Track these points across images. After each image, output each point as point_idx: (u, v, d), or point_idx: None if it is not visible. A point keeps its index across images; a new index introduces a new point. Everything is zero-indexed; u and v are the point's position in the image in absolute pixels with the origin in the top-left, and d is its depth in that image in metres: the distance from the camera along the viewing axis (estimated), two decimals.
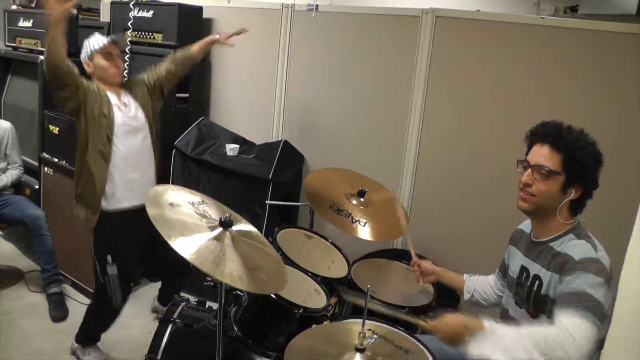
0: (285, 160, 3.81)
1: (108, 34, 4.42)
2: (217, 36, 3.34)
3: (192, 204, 2.10)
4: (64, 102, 2.83)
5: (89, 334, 3.18)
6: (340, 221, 2.84)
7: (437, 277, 2.59)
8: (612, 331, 1.18)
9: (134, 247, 3.02)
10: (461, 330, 1.82)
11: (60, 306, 3.65)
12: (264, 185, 3.64)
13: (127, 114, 2.96)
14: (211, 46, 3.38)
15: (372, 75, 3.68)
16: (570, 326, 1.71)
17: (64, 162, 3.87)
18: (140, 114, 3.03)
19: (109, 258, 2.89)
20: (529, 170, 2.02)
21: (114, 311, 3.04)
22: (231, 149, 3.87)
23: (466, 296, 2.49)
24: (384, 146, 3.67)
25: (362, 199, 2.99)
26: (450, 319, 1.88)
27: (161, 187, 2.12)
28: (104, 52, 2.95)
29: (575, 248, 1.93)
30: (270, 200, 3.60)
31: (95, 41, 2.97)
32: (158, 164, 3.14)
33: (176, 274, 3.35)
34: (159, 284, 3.69)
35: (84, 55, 3.00)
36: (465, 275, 2.51)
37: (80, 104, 2.83)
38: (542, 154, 2.00)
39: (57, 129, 3.95)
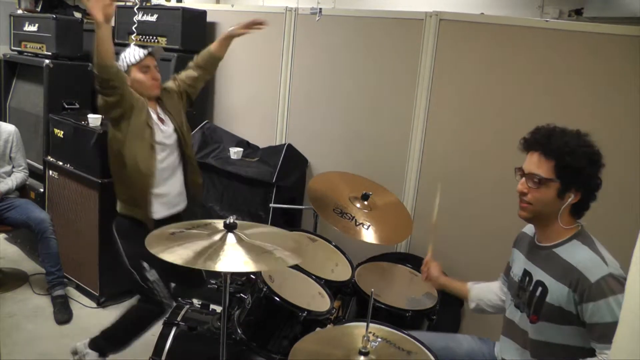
0: (289, 164, 3.82)
1: (113, 38, 4.48)
2: (232, 29, 3.21)
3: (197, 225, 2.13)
4: (110, 108, 2.77)
5: (119, 340, 3.02)
6: (343, 224, 2.86)
7: (441, 286, 2.57)
8: (619, 332, 1.17)
9: None
10: None
11: (64, 309, 3.66)
12: (268, 189, 3.65)
13: (163, 130, 2.94)
14: (230, 41, 3.23)
15: (376, 79, 3.69)
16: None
17: (68, 165, 3.90)
18: (171, 127, 2.99)
19: (145, 265, 2.84)
20: (523, 178, 2.03)
21: (162, 313, 2.94)
22: (235, 152, 3.88)
23: (471, 305, 2.46)
24: (388, 150, 3.68)
25: (365, 202, 3.00)
26: None
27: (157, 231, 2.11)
28: (141, 65, 2.90)
29: (583, 260, 1.92)
30: (274, 203, 3.61)
31: (132, 54, 2.91)
32: (194, 176, 3.12)
33: (192, 284, 3.33)
34: None
35: (123, 69, 2.92)
36: (469, 284, 2.48)
37: (126, 111, 2.79)
38: (533, 162, 2.01)
39: (62, 132, 3.97)
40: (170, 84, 3.15)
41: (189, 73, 3.18)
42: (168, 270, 2.95)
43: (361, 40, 3.73)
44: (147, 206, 2.88)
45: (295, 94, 4.05)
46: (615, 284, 1.84)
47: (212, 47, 3.20)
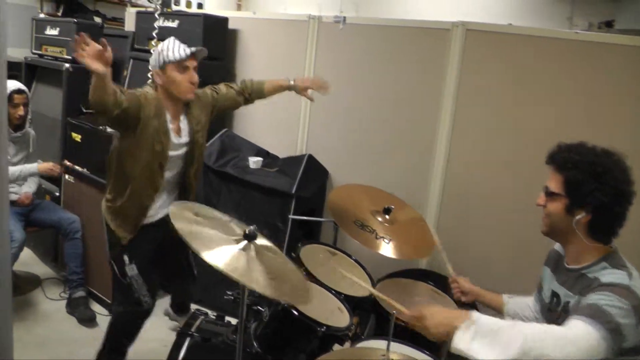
0: (309, 175, 3.82)
1: (132, 44, 4.53)
2: (293, 82, 3.17)
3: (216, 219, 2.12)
4: (109, 124, 2.75)
5: (114, 348, 3.01)
6: (364, 237, 2.85)
7: (475, 297, 2.53)
8: None
9: (149, 246, 2.96)
10: (447, 322, 1.77)
11: (87, 309, 3.73)
12: (287, 200, 3.65)
13: (177, 141, 2.83)
14: (285, 90, 3.21)
15: (400, 90, 3.68)
16: (574, 327, 1.69)
17: (85, 169, 3.93)
18: (184, 139, 2.87)
19: (126, 258, 2.82)
20: (543, 192, 2.07)
21: (144, 313, 2.93)
22: (254, 161, 3.89)
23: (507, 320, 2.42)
24: (411, 163, 3.66)
25: (387, 217, 2.98)
26: (436, 310, 1.84)
27: (183, 203, 2.14)
28: (181, 64, 2.73)
29: (607, 275, 1.89)
30: (293, 215, 3.61)
31: (172, 50, 2.73)
32: (193, 191, 3.04)
33: (182, 279, 3.33)
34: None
35: (154, 63, 2.75)
36: (504, 297, 2.43)
37: (133, 124, 2.66)
38: (549, 176, 2.03)
39: (80, 136, 4.00)
40: (207, 91, 3.04)
41: (230, 94, 3.11)
42: (151, 263, 2.97)
43: (385, 49, 3.72)
44: (134, 230, 2.85)
45: (317, 104, 4.03)
46: (624, 293, 1.78)
47: (266, 86, 3.16)
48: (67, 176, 4.08)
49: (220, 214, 2.22)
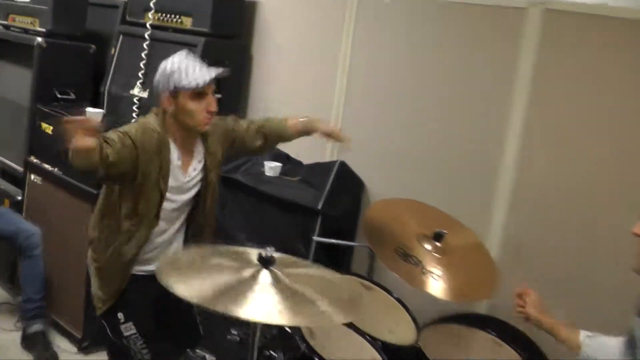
0: (340, 187, 3.84)
1: (124, 15, 4.58)
2: (322, 127, 3.22)
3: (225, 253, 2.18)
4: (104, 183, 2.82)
5: None
6: (407, 270, 2.84)
7: (545, 327, 2.51)
8: None
9: (148, 300, 2.97)
10: None
11: (46, 348, 3.72)
12: (311, 217, 3.68)
13: (185, 182, 2.89)
14: (310, 134, 3.23)
15: (458, 82, 3.68)
16: None
17: (56, 169, 3.98)
18: (199, 175, 2.94)
19: (120, 315, 2.84)
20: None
21: None
22: (271, 167, 3.93)
23: None
24: (471, 173, 3.64)
25: (438, 244, 2.98)
26: None
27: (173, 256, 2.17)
28: (197, 92, 2.72)
29: None
30: (319, 236, 3.62)
31: (186, 74, 2.71)
32: (211, 231, 3.09)
33: (184, 341, 3.33)
34: None
35: (163, 86, 2.75)
36: (582, 335, 2.40)
37: (130, 175, 2.71)
38: None
39: (51, 128, 4.05)
40: (229, 121, 3.12)
41: (249, 134, 3.16)
42: (153, 324, 2.97)
43: (439, 32, 3.73)
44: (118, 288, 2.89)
45: (353, 98, 4.07)
46: None
47: (290, 127, 3.18)
48: (33, 177, 4.12)
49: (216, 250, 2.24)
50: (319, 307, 1.93)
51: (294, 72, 4.31)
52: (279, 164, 3.97)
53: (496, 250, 3.53)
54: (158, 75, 2.76)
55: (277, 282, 1.95)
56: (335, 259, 3.90)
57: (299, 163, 4.18)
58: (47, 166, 4.04)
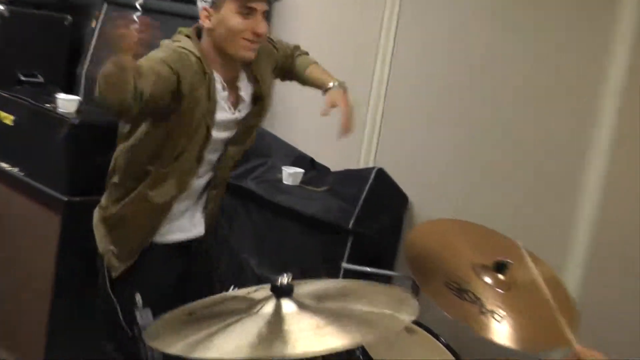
0: (377, 201, 3.86)
1: None
2: (331, 86, 3.27)
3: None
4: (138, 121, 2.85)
5: None
6: (461, 309, 2.82)
7: None
8: None
9: (167, 282, 3.07)
10: None
11: None
12: (339, 238, 3.70)
13: (231, 117, 2.99)
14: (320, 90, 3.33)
15: (526, 77, 3.71)
16: None
17: (17, 170, 4.00)
18: (245, 110, 3.05)
19: (138, 298, 2.87)
20: None
21: None
22: (290, 174, 3.97)
23: None
24: (543, 190, 3.67)
25: (501, 276, 2.96)
26: None
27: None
28: (245, 3, 2.75)
29: None
30: (348, 262, 3.63)
31: None
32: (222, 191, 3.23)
33: None
34: None
35: None
36: None
37: (172, 107, 2.75)
38: None
39: (12, 117, 4.08)
40: (274, 46, 3.23)
41: (286, 52, 3.31)
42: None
43: (505, 18, 3.77)
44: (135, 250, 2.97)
45: (396, 93, 4.12)
46: None
47: (310, 73, 3.34)
48: None
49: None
50: (373, 314, 1.98)
51: (327, 58, 4.32)
52: (300, 170, 4.01)
53: (576, 288, 3.54)
54: None
55: (303, 306, 1.98)
56: None
57: (326, 169, 4.22)
58: (5, 165, 4.05)
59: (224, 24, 2.76)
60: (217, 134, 2.90)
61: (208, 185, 3.12)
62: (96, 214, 3.06)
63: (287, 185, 3.95)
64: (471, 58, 3.88)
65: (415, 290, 3.30)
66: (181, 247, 3.10)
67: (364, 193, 3.82)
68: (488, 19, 3.83)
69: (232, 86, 2.94)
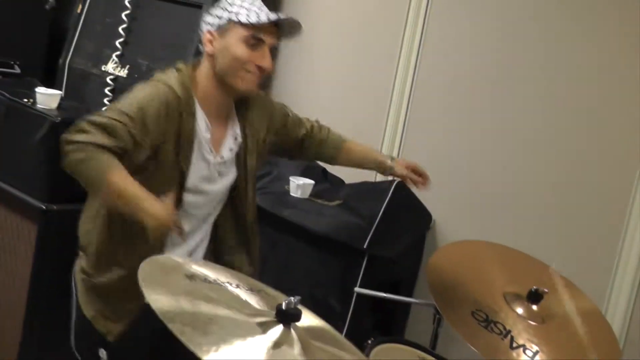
0: (396, 218, 3.89)
1: None
2: (391, 163, 3.31)
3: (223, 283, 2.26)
4: None
5: None
6: (488, 342, 2.82)
7: None
8: None
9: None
10: None
11: None
12: (353, 260, 3.73)
13: (213, 158, 3.00)
14: (371, 168, 3.45)
15: (571, 87, 3.75)
16: None
17: None
18: (234, 158, 3.07)
19: (103, 355, 2.94)
20: None
21: None
22: (299, 186, 4.01)
23: None
24: (585, 211, 3.71)
25: (534, 307, 2.98)
26: None
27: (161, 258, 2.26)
28: (254, 33, 2.84)
29: None
30: (362, 287, 3.65)
31: (248, 7, 2.87)
32: (255, 250, 3.25)
33: None
34: None
35: (212, 19, 2.92)
36: None
37: (143, 155, 2.82)
38: None
39: None
40: (283, 106, 3.33)
41: (300, 125, 3.35)
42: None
43: (546, 16, 3.81)
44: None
45: (421, 97, 4.19)
46: None
47: (347, 146, 3.41)
48: None
49: (226, 276, 2.34)
50: None
51: (344, 56, 4.38)
52: (310, 182, 4.05)
53: (618, 323, 3.61)
54: (210, 11, 2.90)
55: (305, 345, 2.03)
56: (384, 321, 3.94)
57: (339, 181, 4.26)
58: None
59: (227, 52, 2.84)
60: (200, 185, 2.95)
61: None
62: (77, 270, 3.07)
63: (295, 198, 3.98)
64: (508, 63, 3.93)
65: (438, 320, 3.33)
66: None
67: (382, 209, 3.83)
68: (528, 20, 3.88)
69: (219, 128, 3.00)
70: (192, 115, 2.88)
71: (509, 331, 2.89)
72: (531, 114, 3.88)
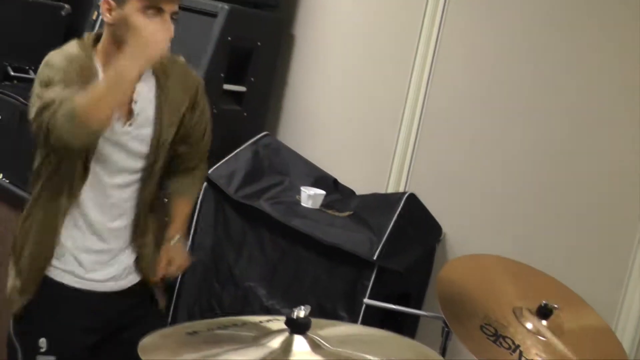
0: (407, 230, 3.89)
1: None
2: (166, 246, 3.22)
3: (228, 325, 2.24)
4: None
5: None
6: (497, 356, 2.79)
7: None
8: None
9: (87, 337, 3.04)
10: None
11: None
12: (362, 271, 3.72)
13: (126, 129, 2.90)
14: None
15: (581, 102, 3.73)
16: None
17: (0, 176, 4.09)
18: (148, 133, 2.97)
19: (42, 343, 2.90)
20: None
21: None
22: (310, 196, 4.01)
23: None
24: (597, 226, 3.69)
25: (544, 322, 2.97)
26: None
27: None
28: (152, 3, 2.70)
29: None
30: (371, 298, 3.64)
31: None
32: (157, 228, 3.19)
33: None
34: None
35: None
36: None
37: None
38: None
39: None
40: (199, 78, 3.24)
41: (200, 131, 3.24)
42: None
43: (563, 21, 3.78)
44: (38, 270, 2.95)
45: (435, 107, 4.17)
46: None
47: (176, 204, 3.28)
48: None
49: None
50: None
51: (356, 62, 4.37)
52: (321, 192, 4.04)
53: (628, 340, 3.58)
54: None
55: (316, 347, 2.02)
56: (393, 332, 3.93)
57: (351, 192, 4.25)
58: None
59: (124, 23, 2.70)
60: (111, 139, 2.83)
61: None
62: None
63: (306, 208, 3.97)
64: (525, 75, 3.91)
65: (446, 333, 3.33)
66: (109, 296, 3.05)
67: (392, 221, 3.83)
68: (540, 35, 3.86)
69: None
70: (95, 77, 2.77)
71: (518, 346, 2.86)
72: (545, 128, 3.86)
